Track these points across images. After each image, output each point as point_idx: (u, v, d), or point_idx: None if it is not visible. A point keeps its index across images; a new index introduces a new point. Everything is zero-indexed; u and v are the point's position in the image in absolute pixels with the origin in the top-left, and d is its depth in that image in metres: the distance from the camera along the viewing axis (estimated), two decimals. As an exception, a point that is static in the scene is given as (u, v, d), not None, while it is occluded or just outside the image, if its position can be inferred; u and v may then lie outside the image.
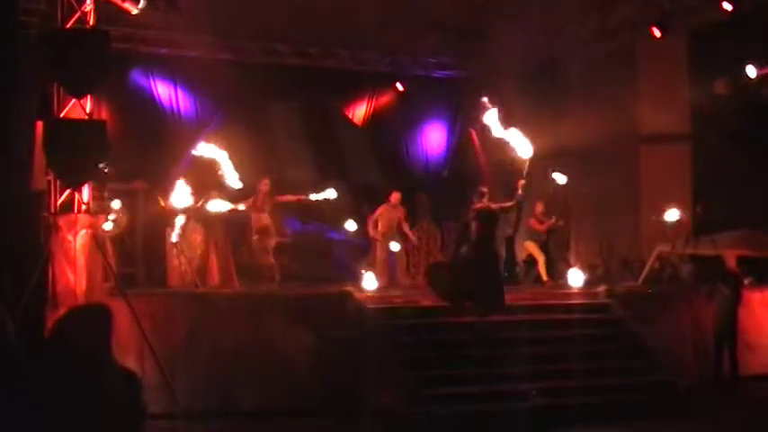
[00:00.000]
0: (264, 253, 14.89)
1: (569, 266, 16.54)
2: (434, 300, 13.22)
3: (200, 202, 14.30)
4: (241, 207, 14.57)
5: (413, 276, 16.29)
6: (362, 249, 17.11)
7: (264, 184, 15.17)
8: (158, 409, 10.79)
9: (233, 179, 14.16)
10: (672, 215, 15.60)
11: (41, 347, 5.45)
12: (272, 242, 15.13)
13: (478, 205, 12.63)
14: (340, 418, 11.15)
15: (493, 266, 12.89)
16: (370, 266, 15.22)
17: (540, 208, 16.92)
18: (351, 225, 16.48)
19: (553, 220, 16.83)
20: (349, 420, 11.12)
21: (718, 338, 13.36)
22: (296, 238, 17.45)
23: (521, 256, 18.31)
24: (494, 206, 12.74)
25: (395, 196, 16.02)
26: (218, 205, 14.14)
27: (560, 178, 15.33)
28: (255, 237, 14.88)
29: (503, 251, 18.05)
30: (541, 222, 16.88)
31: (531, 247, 16.70)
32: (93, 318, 5.09)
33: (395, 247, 15.77)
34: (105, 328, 5.02)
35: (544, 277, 16.29)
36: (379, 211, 15.86)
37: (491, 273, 12.73)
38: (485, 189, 13.04)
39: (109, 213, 13.68)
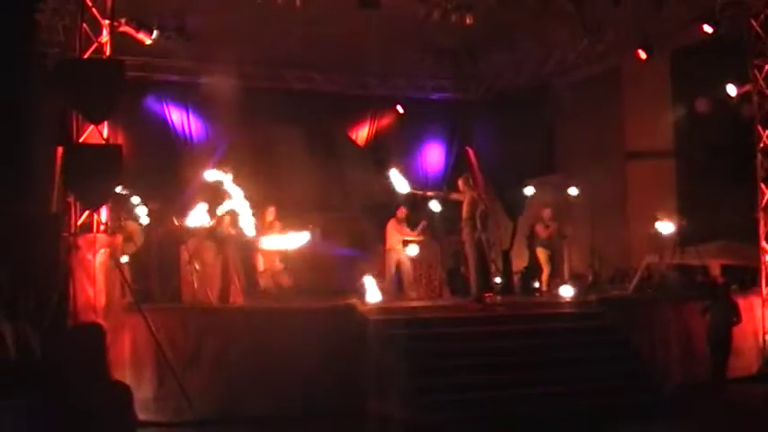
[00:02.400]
0: (269, 274, 14.92)
1: (563, 279, 16.57)
2: (436, 311, 13.38)
3: (212, 224, 14.33)
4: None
5: (415, 289, 16.26)
6: (369, 264, 17.10)
7: (270, 212, 15.21)
8: (173, 416, 10.85)
9: (243, 207, 14.22)
10: (664, 227, 15.64)
11: (41, 363, 5.52)
12: (277, 265, 15.12)
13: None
14: (343, 424, 11.18)
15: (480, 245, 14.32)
16: (378, 280, 15.22)
17: (547, 213, 16.82)
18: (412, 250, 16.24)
19: (556, 226, 16.76)
20: (352, 426, 11.16)
21: (713, 346, 13.36)
22: (302, 254, 17.47)
23: (517, 267, 18.33)
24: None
25: (401, 211, 16.03)
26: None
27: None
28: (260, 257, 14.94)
29: (500, 263, 18.11)
30: (546, 227, 16.77)
31: (542, 255, 16.60)
32: (86, 335, 5.16)
33: (413, 251, 15.77)
34: (98, 344, 5.09)
35: (544, 287, 16.28)
36: (389, 226, 15.87)
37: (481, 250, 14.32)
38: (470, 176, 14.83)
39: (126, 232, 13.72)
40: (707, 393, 12.96)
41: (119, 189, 12.34)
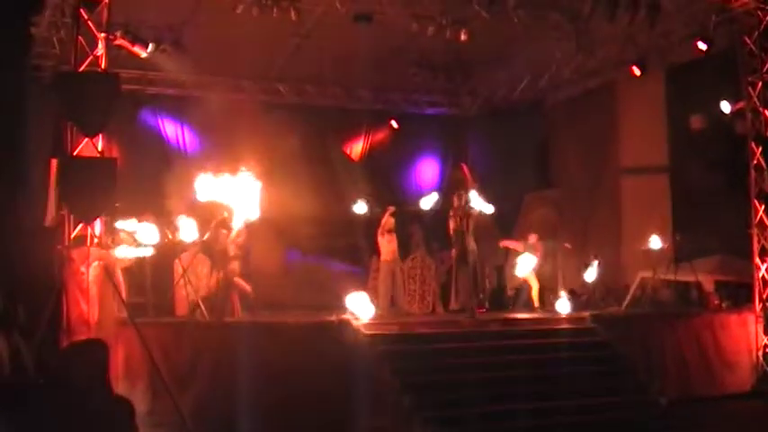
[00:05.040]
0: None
1: (557, 295, 16.56)
2: (430, 327, 13.35)
3: (206, 236, 14.26)
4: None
5: (408, 303, 16.22)
6: (362, 279, 17.08)
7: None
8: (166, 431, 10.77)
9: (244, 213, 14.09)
10: (654, 243, 15.65)
11: (43, 378, 5.48)
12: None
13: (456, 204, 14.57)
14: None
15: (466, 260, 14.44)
16: (372, 294, 15.18)
17: (533, 238, 16.84)
18: None
19: (542, 249, 16.81)
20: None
21: None
22: (297, 268, 17.49)
23: (511, 283, 18.29)
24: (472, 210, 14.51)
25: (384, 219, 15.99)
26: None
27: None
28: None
29: (494, 280, 18.12)
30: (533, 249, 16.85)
31: (528, 273, 16.62)
32: (90, 351, 5.14)
33: None
34: (102, 360, 5.07)
35: (535, 303, 16.27)
36: (378, 238, 15.84)
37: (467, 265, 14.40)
38: (462, 192, 14.82)
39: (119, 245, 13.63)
40: (702, 409, 12.96)
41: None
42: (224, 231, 14.38)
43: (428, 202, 16.35)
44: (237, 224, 14.07)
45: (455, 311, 14.79)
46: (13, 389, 6.75)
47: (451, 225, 15.09)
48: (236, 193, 13.79)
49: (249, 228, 14.68)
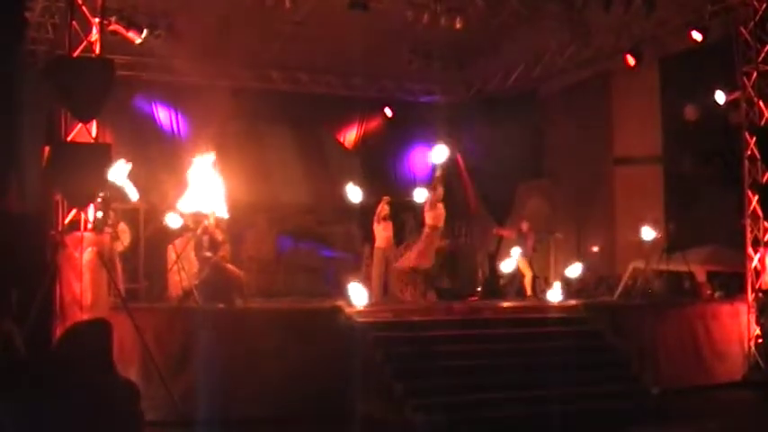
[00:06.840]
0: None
1: (549, 283, 16.63)
2: (422, 314, 13.41)
3: (207, 222, 14.27)
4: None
5: (401, 290, 16.27)
6: (355, 266, 17.12)
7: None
8: (158, 416, 10.78)
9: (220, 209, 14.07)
10: (647, 233, 15.71)
11: (48, 358, 5.47)
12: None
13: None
14: (330, 426, 11.19)
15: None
16: (365, 281, 15.23)
17: (525, 226, 16.89)
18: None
19: (533, 236, 16.87)
20: (339, 428, 11.17)
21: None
22: (289, 255, 17.50)
23: (504, 272, 18.35)
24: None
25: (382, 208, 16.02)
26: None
27: None
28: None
29: (486, 267, 18.18)
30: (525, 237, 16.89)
31: (520, 262, 16.69)
32: (95, 331, 5.14)
33: None
34: (107, 341, 5.07)
35: (528, 291, 16.34)
36: (375, 225, 15.86)
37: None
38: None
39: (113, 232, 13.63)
40: (693, 398, 13.05)
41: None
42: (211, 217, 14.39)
43: (421, 194, 16.43)
44: (205, 208, 14.04)
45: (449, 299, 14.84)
46: (9, 374, 6.79)
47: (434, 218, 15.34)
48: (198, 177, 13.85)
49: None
